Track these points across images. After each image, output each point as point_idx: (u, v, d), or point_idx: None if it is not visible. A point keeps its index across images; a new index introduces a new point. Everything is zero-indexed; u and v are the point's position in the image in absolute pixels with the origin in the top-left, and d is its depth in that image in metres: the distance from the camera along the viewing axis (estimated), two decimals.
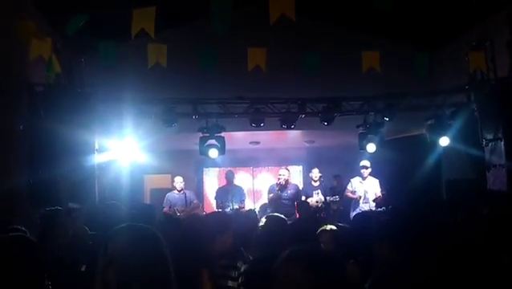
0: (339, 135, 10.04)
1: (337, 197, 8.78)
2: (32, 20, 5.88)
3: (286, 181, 8.53)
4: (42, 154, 6.28)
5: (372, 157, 8.65)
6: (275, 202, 8.40)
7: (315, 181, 8.90)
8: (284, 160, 11.59)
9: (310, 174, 9.00)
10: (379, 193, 8.41)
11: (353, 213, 8.08)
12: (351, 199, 8.61)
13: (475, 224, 3.69)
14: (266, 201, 8.98)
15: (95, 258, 1.66)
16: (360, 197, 8.44)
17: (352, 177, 8.86)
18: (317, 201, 8.53)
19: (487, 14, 7.68)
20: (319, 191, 8.66)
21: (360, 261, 3.25)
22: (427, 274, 2.19)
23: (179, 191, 8.68)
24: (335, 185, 9.28)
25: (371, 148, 8.41)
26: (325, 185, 9.13)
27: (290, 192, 8.48)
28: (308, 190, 8.86)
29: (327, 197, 8.73)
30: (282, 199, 8.39)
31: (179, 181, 8.77)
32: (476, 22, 7.88)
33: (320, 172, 9.02)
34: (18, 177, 5.86)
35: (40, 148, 6.28)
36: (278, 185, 8.54)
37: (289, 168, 9.08)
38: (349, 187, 8.73)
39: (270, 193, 8.72)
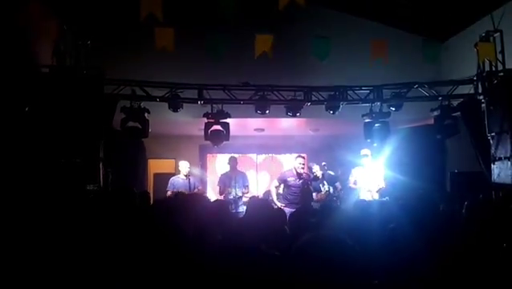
0: (344, 124, 10.01)
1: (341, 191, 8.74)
2: (39, 3, 5.88)
3: (303, 170, 8.35)
4: (46, 136, 6.29)
5: (377, 147, 8.61)
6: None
7: (318, 178, 8.59)
8: (288, 148, 11.59)
9: (312, 170, 8.78)
10: (382, 182, 8.35)
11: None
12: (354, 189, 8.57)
13: (477, 216, 3.67)
14: (269, 188, 8.91)
15: None
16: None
17: (355, 167, 8.81)
18: (323, 193, 8.38)
19: (496, 5, 7.60)
20: (325, 182, 8.56)
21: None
22: (428, 263, 2.19)
23: (185, 176, 8.63)
24: (339, 174, 9.23)
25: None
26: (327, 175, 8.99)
27: (302, 181, 8.22)
28: (316, 185, 8.69)
29: (336, 184, 8.63)
30: (293, 187, 8.18)
31: (185, 166, 8.71)
32: (485, 13, 7.79)
33: (320, 168, 8.76)
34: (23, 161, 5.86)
35: (44, 130, 6.28)
36: (297, 173, 8.18)
37: (293, 156, 8.96)
38: (351, 178, 8.65)
39: (280, 180, 8.42)
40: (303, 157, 8.47)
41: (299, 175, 8.17)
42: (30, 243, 2.53)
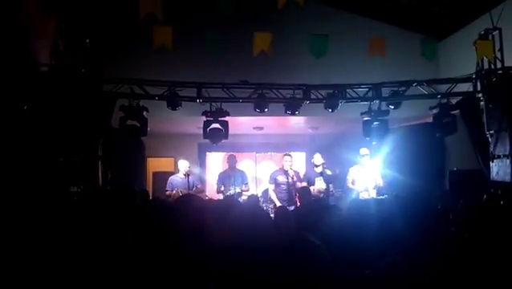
0: (343, 122, 10.01)
1: (340, 190, 8.75)
2: (37, 1, 5.86)
3: (290, 167, 8.47)
4: (45, 135, 6.29)
5: (375, 145, 8.62)
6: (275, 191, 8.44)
7: (317, 166, 8.57)
8: (287, 146, 11.58)
9: (312, 160, 8.84)
10: (379, 180, 8.35)
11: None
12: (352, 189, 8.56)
13: (474, 213, 3.66)
14: (267, 187, 8.90)
15: None
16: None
17: (353, 166, 8.78)
18: (319, 191, 8.34)
19: (495, 3, 7.60)
20: (322, 178, 8.50)
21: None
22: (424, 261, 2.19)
23: (184, 175, 8.58)
24: (338, 173, 9.19)
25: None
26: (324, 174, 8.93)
27: (293, 178, 8.34)
28: (311, 176, 8.70)
29: (330, 185, 8.60)
30: (282, 184, 8.33)
31: (185, 165, 8.67)
32: (484, 11, 7.79)
33: (323, 158, 8.67)
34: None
35: (43, 128, 6.28)
36: (282, 170, 8.42)
37: (292, 154, 8.99)
38: (349, 177, 8.62)
39: (272, 180, 8.53)
40: (290, 155, 8.68)
41: (286, 173, 8.34)
42: (22, 243, 2.52)
